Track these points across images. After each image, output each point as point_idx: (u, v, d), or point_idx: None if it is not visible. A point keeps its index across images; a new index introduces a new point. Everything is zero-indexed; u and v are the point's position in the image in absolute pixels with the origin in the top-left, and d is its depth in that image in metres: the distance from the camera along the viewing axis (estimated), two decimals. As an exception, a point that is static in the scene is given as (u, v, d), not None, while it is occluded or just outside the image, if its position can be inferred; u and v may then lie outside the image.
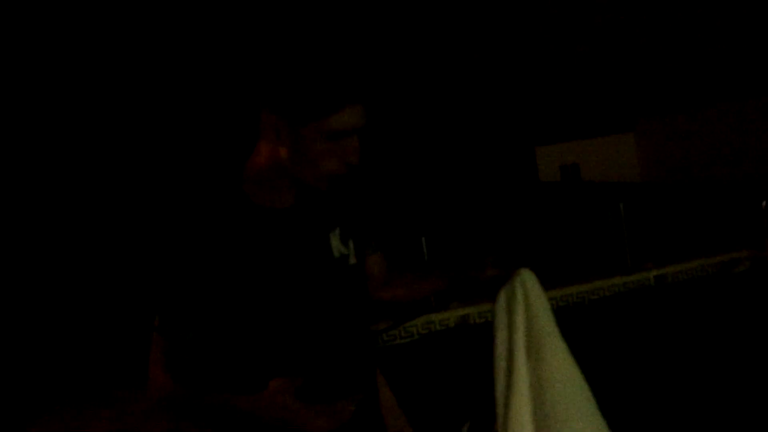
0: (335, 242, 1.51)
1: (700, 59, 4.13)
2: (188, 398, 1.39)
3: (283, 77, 1.32)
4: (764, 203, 3.38)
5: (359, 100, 1.34)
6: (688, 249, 4.04)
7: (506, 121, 5.50)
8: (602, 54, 4.78)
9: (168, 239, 1.40)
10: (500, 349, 1.39)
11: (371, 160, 1.51)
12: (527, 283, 1.40)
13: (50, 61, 6.43)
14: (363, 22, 5.06)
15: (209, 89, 6.12)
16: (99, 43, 6.56)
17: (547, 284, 1.45)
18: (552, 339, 1.37)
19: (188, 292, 1.38)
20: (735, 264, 3.54)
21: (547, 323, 1.38)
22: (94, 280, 6.19)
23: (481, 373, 1.51)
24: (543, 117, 5.24)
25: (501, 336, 1.39)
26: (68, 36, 6.35)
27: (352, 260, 1.54)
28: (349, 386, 1.40)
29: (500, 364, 1.38)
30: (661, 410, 2.84)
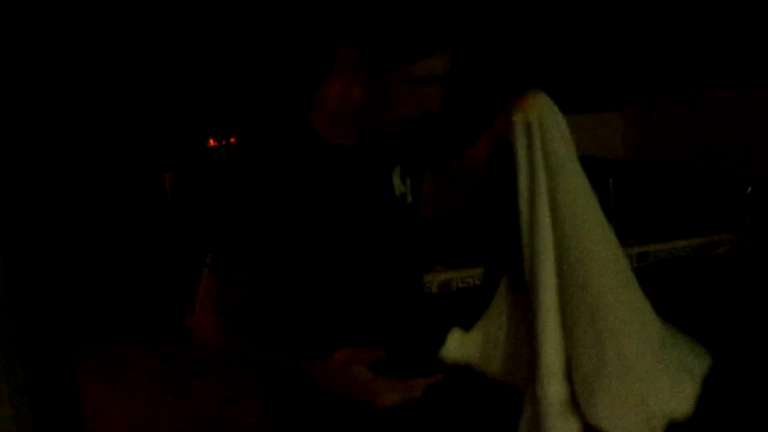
0: (396, 180, 1.47)
1: (695, 44, 4.14)
2: (239, 349, 1.35)
3: (374, 17, 1.24)
4: (749, 189, 3.42)
5: (447, 46, 1.28)
6: (672, 229, 4.09)
7: (495, 90, 5.47)
8: (596, 30, 4.77)
9: (227, 170, 1.35)
10: (522, 176, 1.38)
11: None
12: (544, 107, 1.40)
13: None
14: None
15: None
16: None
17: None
18: (570, 163, 1.40)
19: (246, 229, 1.32)
20: (716, 246, 3.59)
21: (563, 147, 1.39)
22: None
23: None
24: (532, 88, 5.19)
25: (522, 160, 1.39)
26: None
27: (409, 199, 1.49)
28: (429, 363, 1.34)
29: (523, 189, 1.39)
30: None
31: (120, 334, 5.60)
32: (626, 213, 4.35)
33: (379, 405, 1.22)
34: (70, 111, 6.16)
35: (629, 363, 1.34)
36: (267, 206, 1.30)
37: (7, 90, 2.68)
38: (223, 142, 6.51)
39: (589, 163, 1.43)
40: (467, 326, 1.48)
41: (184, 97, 6.60)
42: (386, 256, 1.43)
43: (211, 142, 6.41)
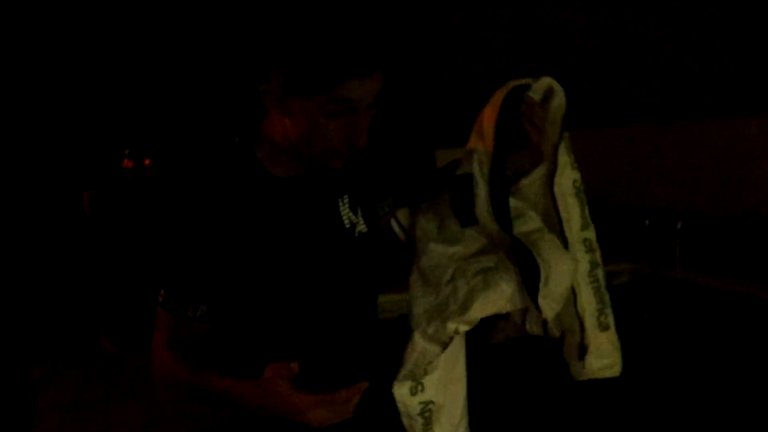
0: (345, 211, 1.45)
1: (594, 81, 4.38)
2: (192, 379, 1.29)
3: (294, 38, 1.21)
4: (647, 221, 3.66)
5: (372, 69, 1.20)
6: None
7: (410, 121, 5.64)
8: (503, 67, 4.97)
9: (177, 207, 1.32)
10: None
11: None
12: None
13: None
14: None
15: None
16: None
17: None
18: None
19: (197, 264, 1.30)
20: (615, 276, 3.80)
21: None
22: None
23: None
24: (444, 120, 5.42)
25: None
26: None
27: (362, 228, 1.47)
28: (351, 373, 1.26)
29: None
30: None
31: (32, 356, 5.42)
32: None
33: (308, 422, 1.18)
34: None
35: None
36: (215, 240, 1.29)
37: None
38: (138, 163, 6.46)
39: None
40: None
41: (103, 116, 6.52)
42: (335, 285, 1.42)
43: (127, 162, 6.34)
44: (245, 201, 1.33)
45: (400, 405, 1.38)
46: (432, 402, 1.40)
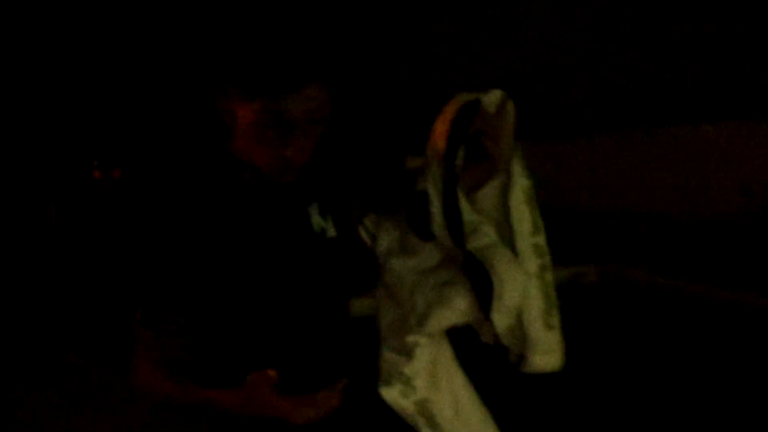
0: (315, 216, 1.48)
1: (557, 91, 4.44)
2: (177, 393, 1.33)
3: (240, 49, 1.23)
4: (613, 224, 3.72)
5: (300, 86, 1.20)
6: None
7: (382, 128, 5.67)
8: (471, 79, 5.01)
9: (147, 219, 1.34)
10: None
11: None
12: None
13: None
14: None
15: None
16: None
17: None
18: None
19: (171, 276, 1.32)
20: (583, 276, 3.84)
21: None
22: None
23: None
24: (415, 126, 5.43)
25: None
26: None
27: (332, 233, 1.51)
28: (330, 373, 1.30)
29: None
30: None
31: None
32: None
33: (294, 422, 1.21)
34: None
35: None
36: (186, 249, 1.31)
37: None
38: (106, 175, 6.44)
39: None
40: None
41: (72, 128, 6.49)
42: (305, 288, 1.44)
43: (97, 174, 6.33)
44: (215, 207, 1.34)
45: (394, 407, 1.38)
46: (427, 400, 1.40)
